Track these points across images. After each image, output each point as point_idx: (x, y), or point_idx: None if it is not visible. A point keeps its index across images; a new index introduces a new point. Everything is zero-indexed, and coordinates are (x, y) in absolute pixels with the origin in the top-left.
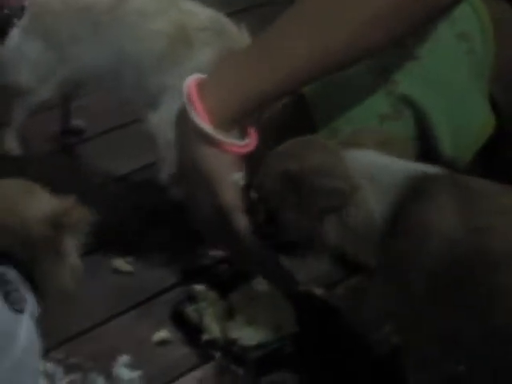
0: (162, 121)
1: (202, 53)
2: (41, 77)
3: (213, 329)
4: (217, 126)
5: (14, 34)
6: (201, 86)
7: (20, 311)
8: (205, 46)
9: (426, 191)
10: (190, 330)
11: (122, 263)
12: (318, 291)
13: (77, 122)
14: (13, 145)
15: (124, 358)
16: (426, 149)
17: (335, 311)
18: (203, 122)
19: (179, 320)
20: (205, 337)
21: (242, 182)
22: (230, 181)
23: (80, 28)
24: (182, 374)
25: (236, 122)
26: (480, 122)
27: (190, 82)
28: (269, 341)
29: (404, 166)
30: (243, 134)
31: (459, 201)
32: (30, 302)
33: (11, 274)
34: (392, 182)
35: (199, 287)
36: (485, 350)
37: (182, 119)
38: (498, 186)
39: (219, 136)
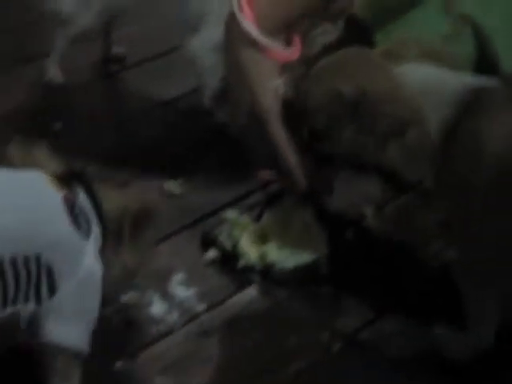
0: (202, 46)
1: None
2: (82, 4)
3: (249, 254)
4: (264, 31)
5: None
6: None
7: (86, 235)
8: None
9: (482, 106)
10: (225, 257)
11: (172, 185)
12: (368, 210)
13: (118, 50)
14: (56, 73)
15: (179, 277)
16: (485, 67)
17: (368, 232)
18: (250, 26)
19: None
20: (241, 262)
21: (281, 89)
22: (271, 85)
23: None
24: (227, 297)
25: (282, 29)
26: None
27: None
28: (305, 262)
29: (459, 80)
30: (288, 43)
31: None
32: (95, 230)
33: (82, 199)
34: (447, 96)
35: (231, 213)
36: None
37: (231, 23)
38: None
39: (265, 40)
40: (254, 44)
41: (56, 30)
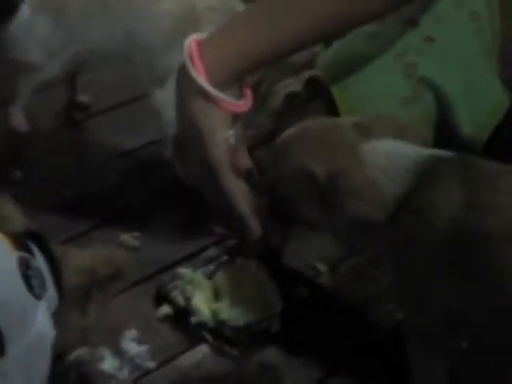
0: (167, 98)
1: None
2: (50, 54)
3: (201, 311)
4: (215, 84)
5: (24, 11)
6: (201, 44)
7: (38, 297)
8: (213, 25)
9: (435, 174)
10: (178, 313)
11: (128, 238)
12: (322, 268)
13: (82, 98)
14: (19, 121)
15: (131, 333)
16: (445, 129)
17: (320, 289)
18: (201, 78)
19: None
20: (194, 319)
21: (232, 141)
22: (221, 137)
23: (89, 5)
24: (178, 354)
25: (233, 81)
26: (495, 100)
27: (191, 40)
28: (256, 320)
29: (416, 152)
30: (240, 95)
31: (465, 182)
32: (50, 293)
33: (39, 262)
34: (404, 170)
35: (184, 270)
36: (490, 326)
37: (182, 76)
38: (506, 167)
39: (216, 92)
40: (204, 96)
41: (20, 78)
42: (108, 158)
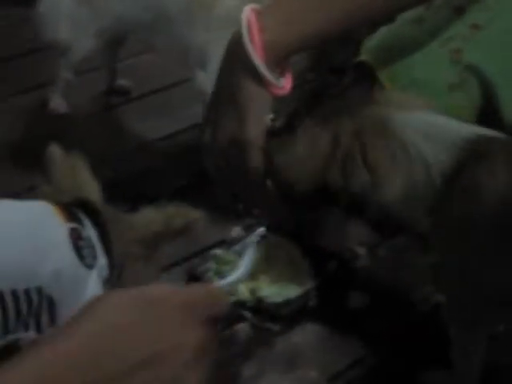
0: (209, 79)
1: None
2: (76, 31)
3: (240, 290)
4: (268, 62)
5: None
6: (260, 17)
7: (89, 266)
8: None
9: (484, 152)
10: None
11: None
12: (361, 251)
13: (122, 83)
14: (59, 103)
15: None
16: (489, 117)
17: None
18: (257, 57)
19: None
20: (232, 298)
21: (269, 124)
22: (263, 119)
23: None
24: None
25: (286, 60)
26: None
27: (249, 11)
28: (295, 296)
29: (463, 127)
30: (281, 75)
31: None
32: (101, 263)
33: (89, 232)
34: (450, 142)
35: (218, 251)
36: None
37: (237, 46)
38: None
39: (268, 74)
40: (255, 75)
41: (59, 60)
42: (148, 142)
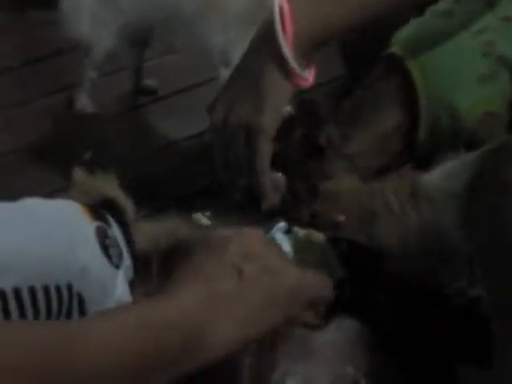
0: None
1: None
2: (97, 29)
3: None
4: (296, 53)
5: None
6: (291, 6)
7: (116, 266)
8: None
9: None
10: None
11: (201, 217)
12: None
13: (148, 82)
14: (85, 104)
15: None
16: None
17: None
18: (287, 47)
19: None
20: None
21: (285, 114)
22: (281, 110)
23: None
24: None
25: (312, 51)
26: None
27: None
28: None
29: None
30: (306, 67)
31: None
32: (127, 263)
33: (115, 231)
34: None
35: None
36: None
37: (267, 33)
38: None
39: (296, 66)
40: (282, 64)
41: (84, 60)
42: (174, 141)
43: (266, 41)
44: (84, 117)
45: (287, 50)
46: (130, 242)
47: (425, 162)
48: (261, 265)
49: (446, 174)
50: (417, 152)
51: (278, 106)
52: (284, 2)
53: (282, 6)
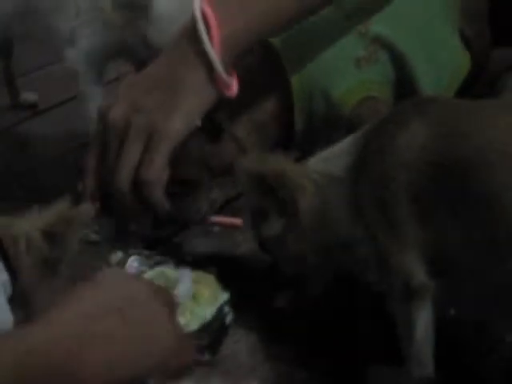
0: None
1: None
2: None
3: None
4: (221, 58)
5: None
6: (216, 11)
7: None
8: None
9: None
10: None
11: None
12: None
13: (28, 96)
14: None
15: None
16: (405, 90)
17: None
18: (214, 52)
19: None
20: None
21: (197, 123)
22: (195, 117)
23: None
24: None
25: (235, 58)
26: (457, 62)
27: (203, 2)
28: (210, 317)
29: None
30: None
31: (429, 116)
32: (2, 278)
33: None
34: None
35: None
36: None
37: (189, 35)
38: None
39: (222, 71)
40: (205, 66)
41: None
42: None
43: (190, 44)
44: None
45: (213, 53)
46: (3, 254)
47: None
48: (145, 314)
49: (326, 158)
50: (297, 140)
51: (192, 113)
52: (205, 6)
53: (205, 11)
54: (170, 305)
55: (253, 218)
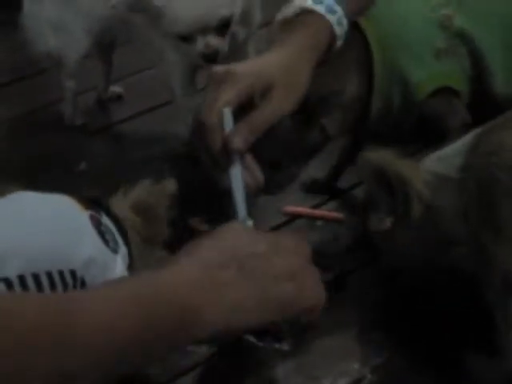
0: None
1: None
2: (62, 36)
3: None
4: None
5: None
6: None
7: (114, 251)
8: None
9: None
10: None
11: (197, 222)
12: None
13: (116, 89)
14: (73, 116)
15: None
16: (481, 85)
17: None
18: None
19: None
20: None
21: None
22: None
23: None
24: None
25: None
26: None
27: None
28: None
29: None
30: None
31: None
32: (122, 249)
33: (106, 220)
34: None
35: None
36: None
37: None
38: None
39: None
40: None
41: (60, 72)
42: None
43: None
44: (74, 129)
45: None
46: (121, 231)
47: (379, 136)
48: (264, 267)
49: (440, 158)
50: (370, 123)
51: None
52: None
53: None
54: (302, 256)
55: (364, 211)
